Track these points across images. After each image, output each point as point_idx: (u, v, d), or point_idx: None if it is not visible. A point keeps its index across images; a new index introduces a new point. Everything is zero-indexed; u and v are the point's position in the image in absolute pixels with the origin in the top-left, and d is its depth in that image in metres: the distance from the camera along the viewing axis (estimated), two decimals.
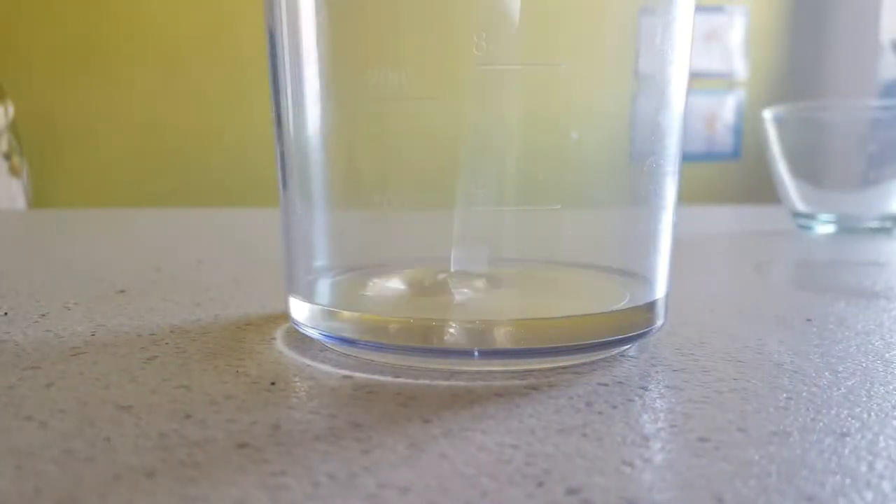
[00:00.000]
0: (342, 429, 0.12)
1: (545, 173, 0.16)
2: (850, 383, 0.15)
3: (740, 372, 0.16)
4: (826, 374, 0.16)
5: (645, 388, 0.14)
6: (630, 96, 0.16)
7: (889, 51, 2.16)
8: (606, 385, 0.15)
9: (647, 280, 0.17)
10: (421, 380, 0.15)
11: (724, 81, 2.31)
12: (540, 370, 0.15)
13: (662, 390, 0.14)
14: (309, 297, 0.17)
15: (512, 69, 0.15)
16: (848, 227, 0.50)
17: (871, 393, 0.14)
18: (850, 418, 0.13)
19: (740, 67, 2.31)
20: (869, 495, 0.10)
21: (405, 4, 0.15)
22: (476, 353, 0.15)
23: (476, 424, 0.12)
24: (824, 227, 0.51)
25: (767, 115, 0.53)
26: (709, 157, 2.30)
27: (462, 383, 0.14)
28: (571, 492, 0.10)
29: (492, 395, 0.14)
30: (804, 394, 0.14)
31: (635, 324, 0.16)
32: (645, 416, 0.13)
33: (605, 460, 0.11)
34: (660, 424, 0.13)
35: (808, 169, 0.52)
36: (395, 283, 0.18)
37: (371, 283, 0.18)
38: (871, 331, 0.20)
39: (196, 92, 1.93)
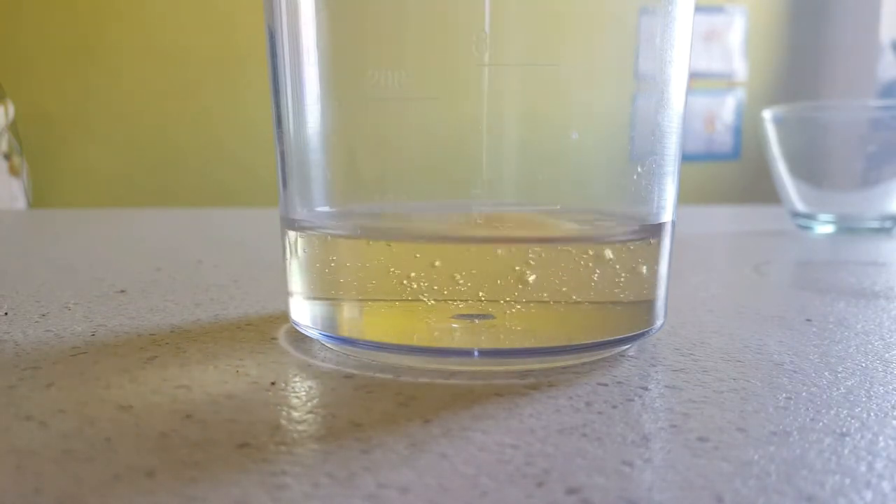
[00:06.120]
0: (342, 429, 0.12)
1: (545, 173, 0.16)
2: (849, 383, 0.15)
3: (740, 372, 0.16)
4: (826, 374, 0.16)
5: (645, 388, 0.14)
6: (630, 96, 0.16)
7: (889, 51, 2.16)
8: (606, 385, 0.15)
9: (646, 280, 0.17)
10: (421, 380, 0.15)
11: (723, 81, 2.31)
12: (540, 370, 0.15)
13: (662, 390, 0.14)
14: (309, 296, 0.17)
15: (512, 69, 0.15)
16: (847, 227, 0.50)
17: (871, 393, 0.14)
18: (849, 418, 0.13)
19: (740, 67, 2.31)
20: (868, 495, 0.10)
21: (405, 4, 0.15)
22: (476, 353, 0.15)
23: (476, 424, 0.12)
24: (824, 227, 0.51)
25: (767, 115, 0.53)
26: (708, 157, 2.30)
27: (462, 383, 0.14)
28: (571, 492, 0.10)
29: (492, 395, 0.14)
30: (804, 394, 0.14)
31: (635, 324, 0.16)
32: (645, 416, 0.13)
33: (605, 460, 0.11)
34: (659, 424, 0.13)
35: (808, 169, 0.52)
36: (396, 281, 0.18)
37: (372, 282, 0.18)
38: (870, 331, 0.20)
39: (196, 92, 1.93)
